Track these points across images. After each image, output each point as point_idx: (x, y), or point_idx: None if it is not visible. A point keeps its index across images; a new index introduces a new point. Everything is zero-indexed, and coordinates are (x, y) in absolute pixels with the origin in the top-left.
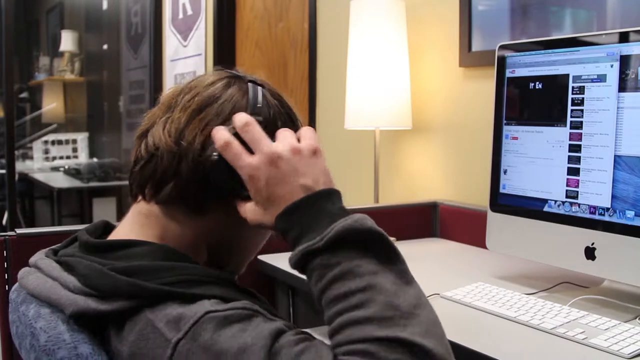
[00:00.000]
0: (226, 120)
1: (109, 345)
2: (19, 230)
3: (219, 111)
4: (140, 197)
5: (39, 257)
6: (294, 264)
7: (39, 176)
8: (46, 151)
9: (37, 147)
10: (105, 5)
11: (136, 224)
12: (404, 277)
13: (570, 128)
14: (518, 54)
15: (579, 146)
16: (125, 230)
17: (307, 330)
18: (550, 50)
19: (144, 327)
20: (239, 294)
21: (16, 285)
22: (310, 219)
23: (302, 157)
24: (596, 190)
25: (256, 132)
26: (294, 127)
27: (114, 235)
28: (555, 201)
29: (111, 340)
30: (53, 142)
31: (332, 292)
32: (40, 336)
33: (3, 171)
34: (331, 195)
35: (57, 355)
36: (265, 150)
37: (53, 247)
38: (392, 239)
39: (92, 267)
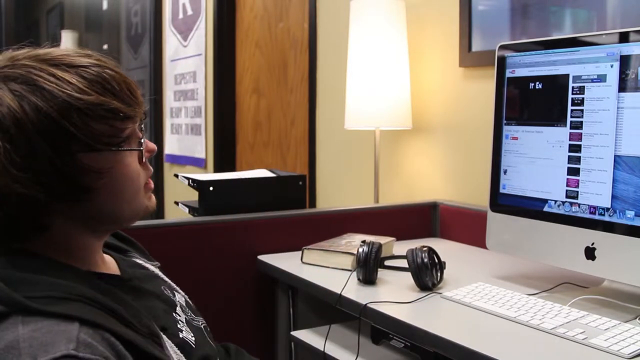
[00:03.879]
0: None
1: None
2: None
3: None
4: None
5: None
6: None
7: None
8: None
9: None
10: (105, 5)
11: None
12: None
13: (570, 128)
14: (518, 54)
15: (579, 146)
16: None
17: (306, 330)
18: (550, 50)
19: (12, 339)
20: (104, 316)
21: None
22: None
23: None
24: (596, 190)
25: None
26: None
27: None
28: (555, 201)
29: None
30: None
31: None
32: None
33: None
34: None
35: None
36: None
37: None
38: (391, 238)
39: None
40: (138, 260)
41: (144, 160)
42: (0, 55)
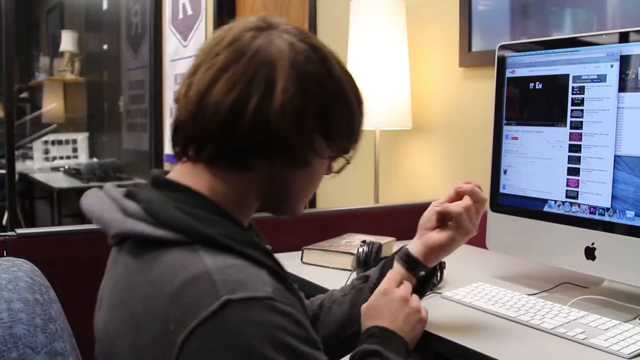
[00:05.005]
0: (253, 77)
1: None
2: (19, 230)
3: (245, 69)
4: (185, 158)
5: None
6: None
7: (39, 176)
8: (46, 151)
9: (37, 147)
10: (105, 5)
11: (186, 175)
12: None
13: (570, 128)
14: (518, 54)
15: (579, 146)
16: (178, 177)
17: None
18: (550, 50)
19: (201, 270)
20: (279, 269)
21: None
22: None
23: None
24: (596, 190)
25: None
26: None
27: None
28: (555, 201)
29: (139, 270)
30: (53, 142)
31: None
32: None
33: (3, 171)
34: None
35: None
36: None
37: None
38: (391, 239)
39: (157, 197)
40: (255, 239)
41: (325, 174)
42: (291, 25)
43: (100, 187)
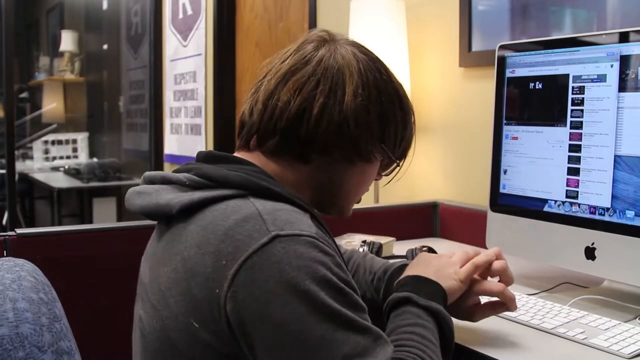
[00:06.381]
0: (319, 81)
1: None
2: (19, 230)
3: (311, 73)
4: (245, 148)
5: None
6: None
7: (39, 176)
8: (46, 151)
9: (37, 147)
10: (105, 5)
11: (241, 155)
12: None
13: (570, 128)
14: (518, 54)
15: (579, 146)
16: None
17: None
18: (550, 50)
19: (251, 212)
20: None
21: None
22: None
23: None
24: (596, 190)
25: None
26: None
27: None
28: (555, 201)
29: (187, 228)
30: (53, 142)
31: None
32: None
33: (3, 171)
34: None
35: None
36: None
37: None
38: (391, 239)
39: (204, 165)
40: None
41: (376, 179)
42: (349, 39)
43: (136, 185)
